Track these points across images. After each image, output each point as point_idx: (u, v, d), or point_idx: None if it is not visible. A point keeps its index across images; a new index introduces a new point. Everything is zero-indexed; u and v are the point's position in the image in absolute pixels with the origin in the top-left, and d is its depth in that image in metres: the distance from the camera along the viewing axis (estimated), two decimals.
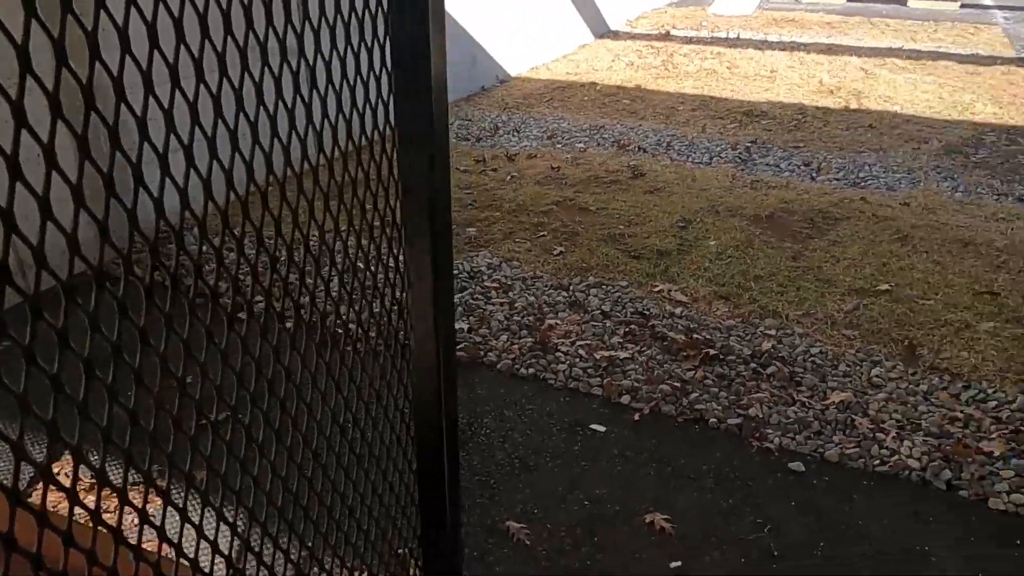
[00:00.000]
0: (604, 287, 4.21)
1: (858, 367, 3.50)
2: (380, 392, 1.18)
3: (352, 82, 0.86)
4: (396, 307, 1.17)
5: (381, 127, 0.90)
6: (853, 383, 3.37)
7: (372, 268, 1.06)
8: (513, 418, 3.18)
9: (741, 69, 9.33)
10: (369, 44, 0.86)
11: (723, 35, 11.30)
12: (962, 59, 9.80)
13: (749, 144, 6.66)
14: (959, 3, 14.32)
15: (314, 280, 0.91)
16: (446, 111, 0.87)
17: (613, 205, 5.29)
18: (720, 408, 3.19)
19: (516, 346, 3.65)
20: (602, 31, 11.49)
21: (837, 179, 5.95)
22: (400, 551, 1.47)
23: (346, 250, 0.92)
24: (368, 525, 1.26)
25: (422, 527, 1.42)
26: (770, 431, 3.06)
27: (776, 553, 2.52)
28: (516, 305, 4.03)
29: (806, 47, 10.45)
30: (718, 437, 3.06)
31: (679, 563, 2.48)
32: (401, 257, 1.05)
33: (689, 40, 11.01)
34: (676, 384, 3.34)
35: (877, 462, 2.90)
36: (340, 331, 1.02)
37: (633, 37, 11.38)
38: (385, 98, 0.88)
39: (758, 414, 3.16)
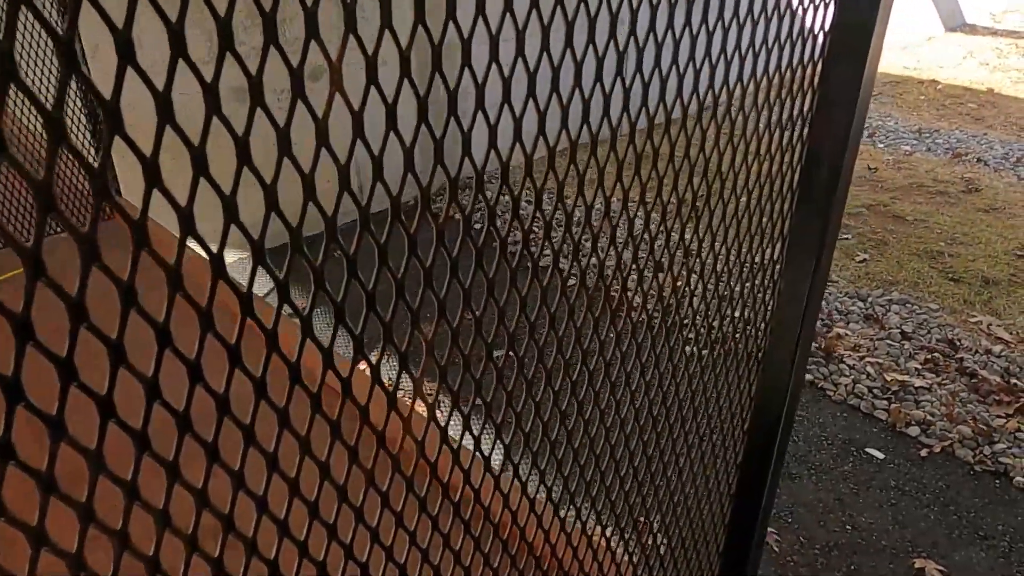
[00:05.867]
0: (909, 306, 3.81)
1: None
2: (719, 388, 1.06)
3: (777, 12, 0.79)
4: (769, 273, 1.00)
5: (805, 61, 0.82)
6: None
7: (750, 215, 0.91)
8: None
9: None
10: None
11: None
12: None
13: None
14: None
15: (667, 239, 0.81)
16: (878, 57, 0.80)
17: (935, 219, 4.73)
18: None
19: None
20: (955, 23, 10.12)
21: None
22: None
23: (722, 199, 0.81)
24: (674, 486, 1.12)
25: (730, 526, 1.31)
26: None
27: None
28: None
29: None
30: (1023, 499, 2.66)
31: None
32: (788, 220, 0.93)
33: None
34: (981, 428, 2.94)
35: None
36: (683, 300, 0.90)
37: (994, 33, 9.88)
38: (819, 28, 0.78)
39: None
